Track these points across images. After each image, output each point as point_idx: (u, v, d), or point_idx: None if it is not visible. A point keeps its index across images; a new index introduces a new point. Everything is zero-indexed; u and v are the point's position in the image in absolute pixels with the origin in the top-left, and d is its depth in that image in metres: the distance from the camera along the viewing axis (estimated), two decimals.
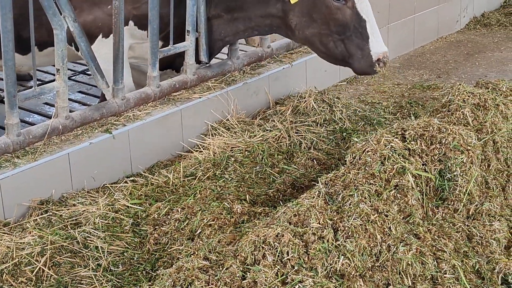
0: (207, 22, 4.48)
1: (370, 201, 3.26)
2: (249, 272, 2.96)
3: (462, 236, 3.41)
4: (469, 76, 5.85)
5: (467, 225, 3.46)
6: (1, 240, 3.44)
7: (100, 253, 3.45)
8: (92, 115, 4.10)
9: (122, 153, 4.12)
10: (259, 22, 4.42)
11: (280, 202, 3.82)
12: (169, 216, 3.64)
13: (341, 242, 3.07)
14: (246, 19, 4.43)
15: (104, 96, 4.56)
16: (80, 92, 5.86)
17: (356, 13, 4.17)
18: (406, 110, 5.06)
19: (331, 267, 3.00)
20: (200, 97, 4.54)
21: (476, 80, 4.70)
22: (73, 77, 6.09)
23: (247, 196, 3.85)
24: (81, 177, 3.93)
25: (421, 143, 3.59)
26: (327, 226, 3.13)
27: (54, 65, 3.90)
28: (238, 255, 3.05)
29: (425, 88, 5.56)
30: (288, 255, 3.00)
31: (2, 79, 4.03)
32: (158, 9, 4.15)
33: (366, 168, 3.44)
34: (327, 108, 4.82)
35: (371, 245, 3.11)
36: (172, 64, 4.69)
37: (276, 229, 3.08)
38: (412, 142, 3.58)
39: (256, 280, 2.91)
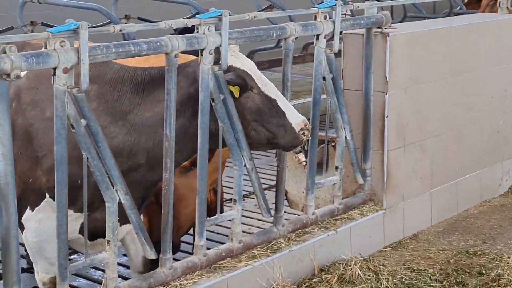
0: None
1: None
2: None
3: None
4: None
5: None
6: None
7: None
8: (140, 285, 4.14)
9: None
10: None
11: None
12: None
13: None
14: None
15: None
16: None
17: (264, 95, 4.27)
18: (453, 277, 5.01)
19: None
20: (246, 265, 4.57)
21: None
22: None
23: None
24: None
25: None
26: None
27: None
28: None
29: (471, 254, 5.52)
30: None
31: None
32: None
33: None
34: (373, 276, 4.81)
35: None
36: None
37: None
38: None
39: None
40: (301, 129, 4.29)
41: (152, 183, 4.32)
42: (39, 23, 9.10)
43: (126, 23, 9.51)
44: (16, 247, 3.55)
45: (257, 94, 4.29)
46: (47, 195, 4.13)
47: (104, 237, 4.13)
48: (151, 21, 9.07)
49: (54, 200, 3.84)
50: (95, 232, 4.26)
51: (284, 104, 4.32)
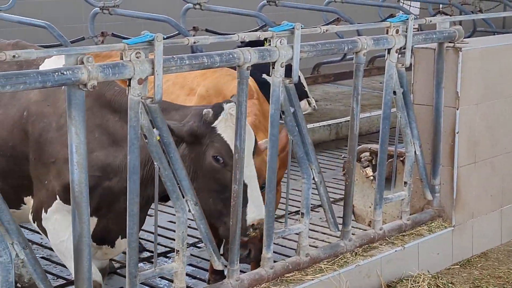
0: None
1: None
2: None
3: None
4: None
5: None
6: None
7: None
8: None
9: None
10: None
11: None
12: None
13: None
14: None
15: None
16: (190, 264, 5.95)
17: (235, 177, 4.11)
18: None
19: None
20: (312, 279, 4.55)
21: None
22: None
23: None
24: None
25: None
26: None
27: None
28: None
29: None
30: None
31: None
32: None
33: None
34: None
35: None
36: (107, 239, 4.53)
37: None
38: None
39: None
40: (252, 225, 4.17)
41: None
42: (109, 33, 9.26)
43: (194, 35, 9.62)
44: (88, 254, 3.60)
45: (229, 172, 4.12)
46: (57, 197, 4.21)
47: (110, 244, 4.38)
48: (219, 33, 9.16)
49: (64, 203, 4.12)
50: (103, 237, 4.38)
51: (253, 195, 4.17)
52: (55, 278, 5.76)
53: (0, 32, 8.58)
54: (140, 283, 5.55)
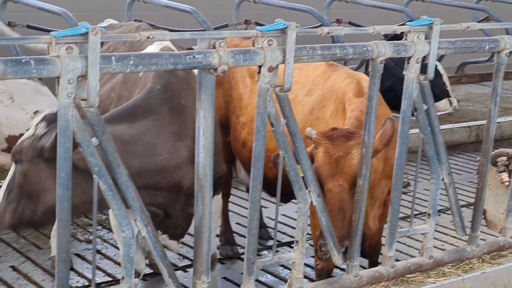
0: None
1: None
2: None
3: None
4: None
5: None
6: None
7: None
8: None
9: None
10: None
11: None
12: None
13: None
14: None
15: None
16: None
17: None
18: None
19: None
20: (434, 282, 4.43)
21: None
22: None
23: None
24: None
25: None
26: None
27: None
28: None
29: None
30: None
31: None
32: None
33: None
34: None
35: None
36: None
37: None
38: None
39: None
40: None
41: None
42: (253, 22, 9.35)
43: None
44: (208, 237, 3.65)
45: None
46: None
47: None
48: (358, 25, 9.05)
49: None
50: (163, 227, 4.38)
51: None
52: (181, 258, 5.90)
53: (146, 16, 8.85)
54: (263, 270, 5.66)
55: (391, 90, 8.11)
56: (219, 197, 4.70)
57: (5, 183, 3.86)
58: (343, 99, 4.61)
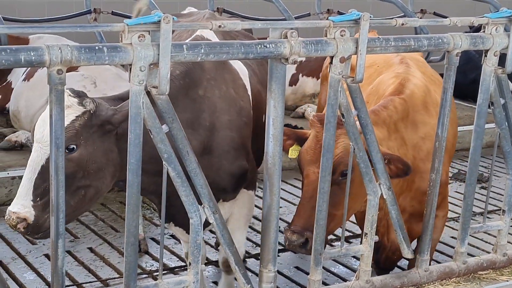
0: None
1: None
2: None
3: None
4: None
5: None
6: None
7: None
8: (392, 283, 4.08)
9: None
10: None
11: None
12: None
13: None
14: None
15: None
16: None
17: None
18: None
19: None
20: (507, 280, 4.33)
21: None
22: None
23: None
24: None
25: None
26: None
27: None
28: None
29: None
30: None
31: None
32: None
33: None
34: None
35: None
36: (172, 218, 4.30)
37: None
38: None
39: None
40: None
41: None
42: (335, 11, 9.30)
43: (421, 18, 9.42)
44: (275, 226, 3.67)
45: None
46: None
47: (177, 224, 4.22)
48: (445, 17, 8.89)
49: None
50: (169, 215, 4.10)
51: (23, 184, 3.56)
52: (254, 246, 5.94)
53: (229, 4, 8.90)
54: (335, 261, 5.65)
55: (475, 83, 7.92)
56: (250, 194, 4.52)
57: (25, 188, 3.53)
58: (381, 97, 4.47)
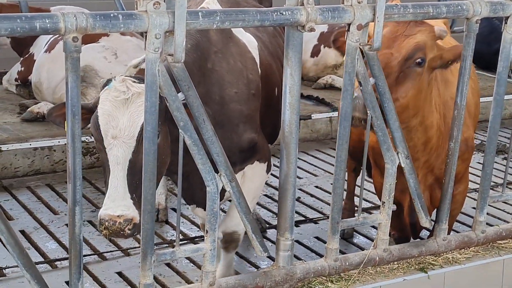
0: None
1: None
2: None
3: None
4: None
5: None
6: None
7: None
8: (410, 251, 4.08)
9: None
10: None
11: None
12: None
13: None
14: None
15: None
16: None
17: (106, 158, 3.43)
18: None
19: None
20: None
21: None
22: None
23: None
24: None
25: None
26: None
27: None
28: None
29: None
30: None
31: None
32: None
33: None
34: None
35: None
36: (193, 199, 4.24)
37: None
38: None
39: None
40: (101, 219, 3.34)
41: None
42: None
43: None
44: (292, 194, 3.67)
45: (103, 152, 3.47)
46: None
47: (199, 205, 4.14)
48: None
49: None
50: (189, 198, 4.15)
51: (112, 185, 3.39)
52: (274, 216, 5.94)
53: None
54: (355, 231, 5.65)
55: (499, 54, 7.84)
56: (261, 167, 4.34)
57: (120, 188, 3.38)
58: None
